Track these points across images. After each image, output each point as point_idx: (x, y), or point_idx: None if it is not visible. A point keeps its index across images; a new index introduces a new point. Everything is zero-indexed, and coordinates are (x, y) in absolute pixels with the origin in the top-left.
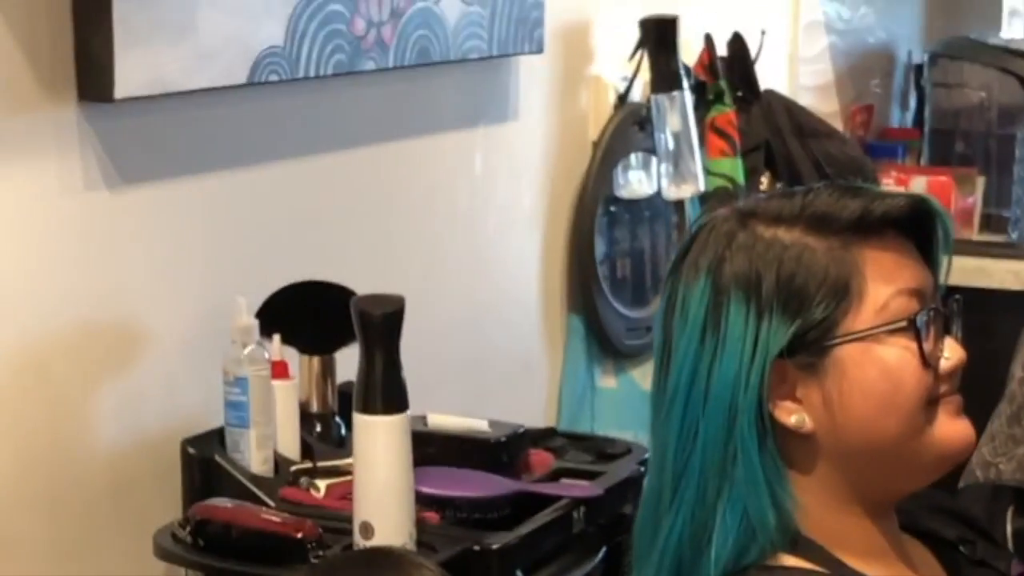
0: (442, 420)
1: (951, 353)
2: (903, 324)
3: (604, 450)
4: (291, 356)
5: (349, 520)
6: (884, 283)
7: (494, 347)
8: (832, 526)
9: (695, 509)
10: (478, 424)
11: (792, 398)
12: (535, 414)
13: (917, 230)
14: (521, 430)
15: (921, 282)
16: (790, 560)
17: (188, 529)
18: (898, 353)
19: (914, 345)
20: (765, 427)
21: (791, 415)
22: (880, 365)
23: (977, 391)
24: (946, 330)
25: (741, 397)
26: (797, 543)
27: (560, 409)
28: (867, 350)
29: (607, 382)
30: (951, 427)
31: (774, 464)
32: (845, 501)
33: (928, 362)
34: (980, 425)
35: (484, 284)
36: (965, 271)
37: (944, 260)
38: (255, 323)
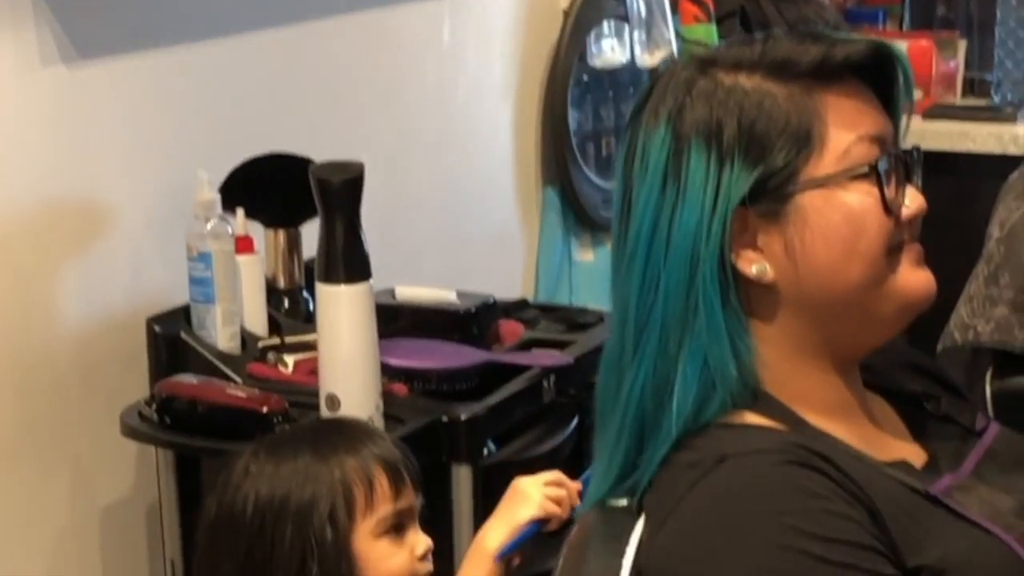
0: (410, 292)
1: (912, 201)
2: (865, 170)
3: (576, 320)
4: (256, 231)
5: (317, 394)
6: (845, 129)
7: (468, 221)
8: (794, 381)
9: (657, 361)
10: (447, 296)
11: (754, 247)
12: (512, 289)
13: (878, 77)
14: (491, 301)
15: (882, 129)
16: (750, 417)
17: (154, 407)
18: (860, 199)
19: (876, 191)
20: (727, 277)
21: (752, 264)
22: (842, 211)
23: (960, 253)
24: (907, 178)
25: (703, 247)
26: (758, 399)
27: (537, 283)
28: (829, 196)
29: (584, 255)
30: (912, 276)
31: (736, 315)
32: (808, 355)
33: (890, 208)
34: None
35: (455, 157)
36: (948, 135)
37: (904, 107)
38: (218, 198)
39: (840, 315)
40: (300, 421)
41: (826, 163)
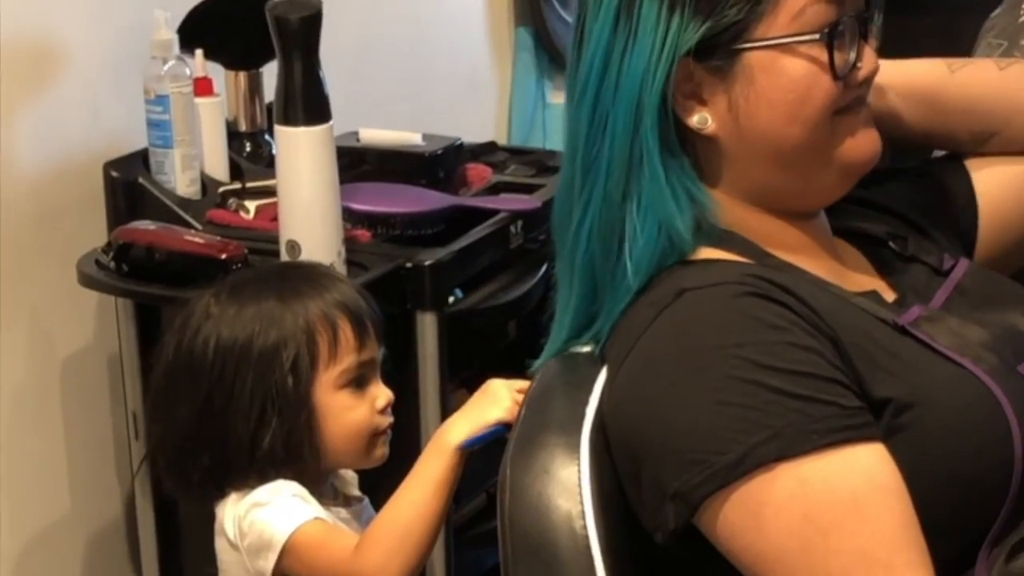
0: (375, 135)
1: (864, 62)
2: (816, 36)
3: (546, 163)
4: (216, 72)
5: (278, 241)
6: None
7: (438, 63)
8: (754, 224)
9: (602, 205)
10: (412, 138)
11: (699, 99)
12: (483, 134)
13: None
14: (458, 143)
15: None
16: (712, 252)
17: (111, 255)
18: (807, 65)
19: (825, 56)
20: (670, 125)
21: (694, 115)
22: (788, 75)
23: None
24: (863, 36)
25: (647, 93)
26: (721, 238)
27: (510, 127)
28: (777, 59)
29: (558, 98)
30: (855, 142)
31: (680, 165)
32: (763, 204)
33: (838, 75)
34: None
35: None
36: None
37: None
38: (175, 38)
39: (783, 173)
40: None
41: (779, 23)
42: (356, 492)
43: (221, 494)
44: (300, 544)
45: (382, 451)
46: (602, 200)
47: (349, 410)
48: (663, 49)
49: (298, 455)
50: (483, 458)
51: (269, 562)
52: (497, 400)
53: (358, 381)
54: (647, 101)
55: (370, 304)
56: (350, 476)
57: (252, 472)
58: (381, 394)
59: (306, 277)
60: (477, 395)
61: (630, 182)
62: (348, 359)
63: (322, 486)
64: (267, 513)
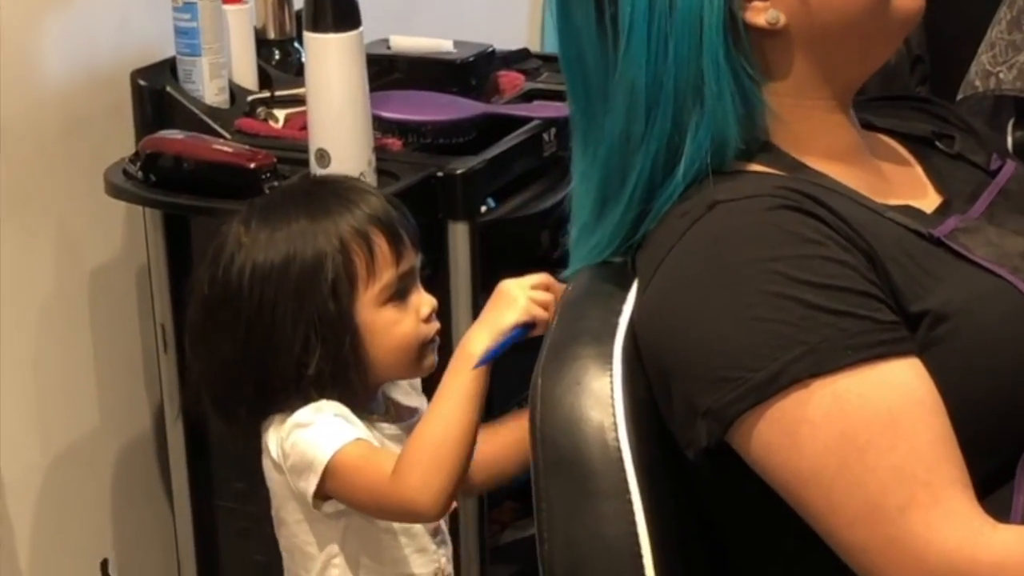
0: (405, 42)
1: None
2: None
3: None
4: None
5: (307, 150)
6: None
7: None
8: (800, 128)
9: (671, 135)
10: (443, 44)
11: None
12: (516, 41)
13: None
14: (490, 50)
15: None
16: (749, 165)
17: (139, 164)
18: None
19: None
20: (738, 33)
21: (762, 14)
22: None
23: None
24: None
25: (708, 8)
26: (764, 150)
27: (543, 33)
28: None
29: None
30: None
31: (748, 75)
32: (814, 96)
33: None
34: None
35: None
36: None
37: None
38: None
39: (848, 44)
40: (289, 179)
41: None
42: (413, 402)
43: (269, 420)
44: (341, 466)
45: (431, 359)
46: (670, 131)
47: (395, 324)
48: None
49: (345, 378)
50: (516, 367)
51: (311, 484)
52: (512, 303)
53: (400, 293)
54: (708, 17)
55: (403, 213)
56: (412, 382)
57: (298, 397)
58: (425, 302)
59: (335, 193)
60: (491, 300)
61: (695, 103)
62: (387, 274)
63: (371, 402)
64: (310, 433)
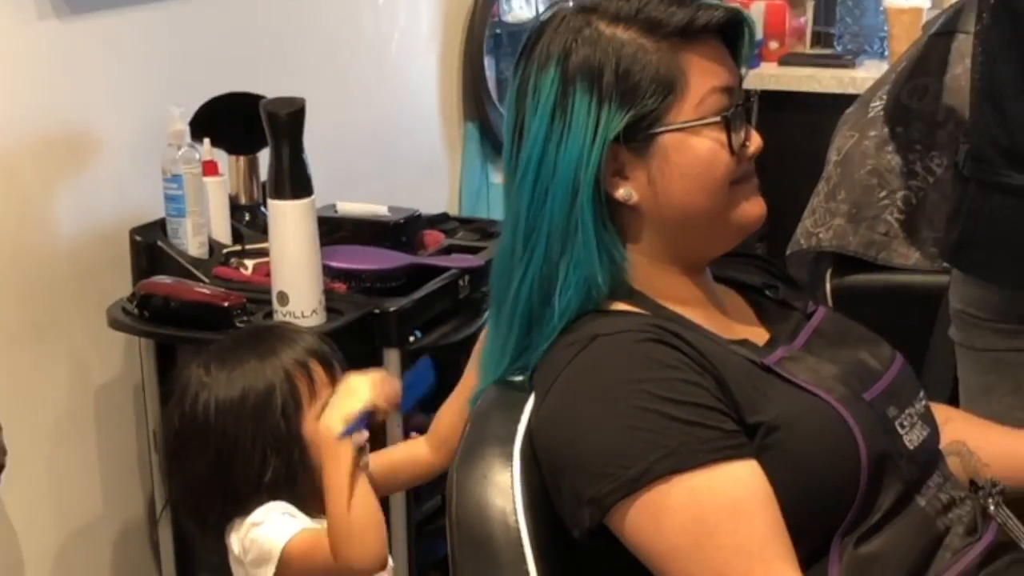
0: (350, 207)
1: (752, 141)
2: (716, 119)
3: (488, 230)
4: (220, 156)
5: (270, 292)
6: (702, 81)
7: (401, 150)
8: (656, 281)
9: (543, 265)
10: (380, 209)
11: (623, 176)
12: (438, 207)
13: (730, 34)
14: (417, 214)
15: (731, 80)
16: (621, 305)
17: (135, 303)
18: (710, 143)
19: (724, 136)
20: (601, 199)
21: (620, 189)
22: (696, 152)
23: (807, 175)
24: (748, 120)
25: (583, 173)
26: (629, 294)
27: (460, 202)
28: (686, 139)
29: (499, 178)
30: (748, 206)
31: (607, 231)
32: (667, 262)
33: (734, 151)
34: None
35: (390, 96)
36: (799, 79)
37: (746, 59)
38: (188, 129)
39: (691, 232)
40: (262, 316)
41: (685, 110)
42: None
43: (230, 524)
44: (294, 552)
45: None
46: (543, 260)
47: None
48: (595, 136)
49: (295, 481)
50: None
51: (269, 571)
52: (356, 394)
53: None
54: (583, 180)
55: (331, 346)
56: None
57: (256, 501)
58: None
59: (277, 335)
60: (339, 391)
61: (565, 245)
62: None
63: (318, 500)
64: (263, 530)
